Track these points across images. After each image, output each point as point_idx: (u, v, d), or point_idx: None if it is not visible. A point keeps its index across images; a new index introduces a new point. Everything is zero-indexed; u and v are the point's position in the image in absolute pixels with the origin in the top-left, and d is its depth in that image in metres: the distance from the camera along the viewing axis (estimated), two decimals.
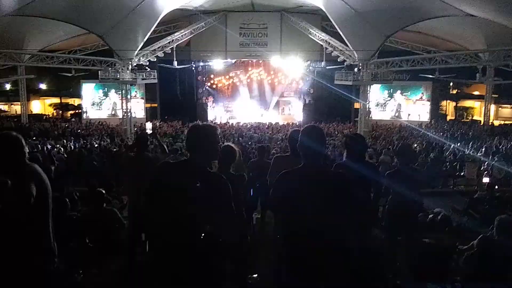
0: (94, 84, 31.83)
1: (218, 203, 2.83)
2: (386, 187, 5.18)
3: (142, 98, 33.81)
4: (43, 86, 39.00)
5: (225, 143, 4.62)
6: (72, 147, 18.32)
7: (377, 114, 32.31)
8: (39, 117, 34.75)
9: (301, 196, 2.87)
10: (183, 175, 2.86)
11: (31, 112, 35.32)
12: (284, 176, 3.04)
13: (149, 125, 26.02)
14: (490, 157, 14.81)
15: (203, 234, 2.83)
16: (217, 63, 33.94)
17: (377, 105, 32.81)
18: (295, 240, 2.90)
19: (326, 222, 2.83)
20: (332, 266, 2.87)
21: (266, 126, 28.61)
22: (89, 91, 33.17)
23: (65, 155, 14.72)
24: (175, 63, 29.67)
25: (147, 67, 27.73)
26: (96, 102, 33.33)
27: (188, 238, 2.80)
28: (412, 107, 33.16)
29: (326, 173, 3.06)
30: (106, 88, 32.48)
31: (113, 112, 32.78)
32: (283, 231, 3.02)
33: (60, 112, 38.73)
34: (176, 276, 2.82)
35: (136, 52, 24.61)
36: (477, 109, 38.10)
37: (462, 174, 13.86)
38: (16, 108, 34.14)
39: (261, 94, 35.73)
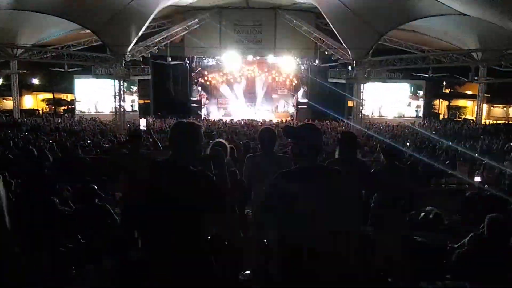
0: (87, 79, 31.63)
1: (204, 201, 2.81)
2: (374, 184, 5.21)
3: (133, 92, 33.63)
4: (35, 81, 38.77)
5: (217, 139, 4.64)
6: (65, 142, 18.22)
7: (371, 112, 32.60)
8: (31, 112, 34.54)
9: (301, 196, 2.85)
10: (165, 175, 2.83)
11: (23, 107, 35.08)
12: (283, 176, 3.03)
13: (143, 122, 25.93)
14: (481, 156, 14.93)
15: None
16: (211, 60, 33.91)
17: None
18: (292, 241, 2.90)
19: (327, 222, 2.83)
20: (330, 266, 2.87)
21: (260, 124, 28.59)
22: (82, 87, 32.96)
23: (58, 151, 14.64)
24: (169, 59, 29.64)
25: (140, 63, 27.67)
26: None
27: (175, 238, 2.79)
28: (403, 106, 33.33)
29: (325, 172, 3.05)
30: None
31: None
32: (279, 232, 3.02)
33: (53, 107, 38.52)
34: (167, 274, 2.83)
35: (129, 48, 24.52)
36: (469, 108, 38.34)
37: (454, 172, 13.95)
38: (8, 103, 33.89)
39: (254, 92, 35.68)
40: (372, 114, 33.17)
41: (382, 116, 33.03)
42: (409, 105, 33.47)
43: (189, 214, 2.78)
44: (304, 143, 3.00)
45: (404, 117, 32.50)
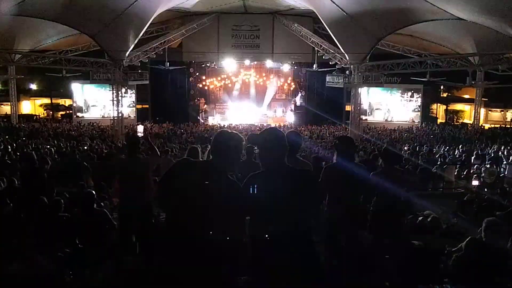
0: (85, 84, 31.61)
1: (229, 207, 2.90)
2: (373, 188, 5.22)
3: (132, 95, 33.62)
4: (33, 86, 38.76)
5: None
6: (63, 147, 18.20)
7: (370, 116, 32.74)
8: (29, 117, 34.45)
9: (266, 198, 2.93)
10: (202, 174, 2.96)
11: (21, 112, 35.04)
12: (250, 179, 3.10)
13: (140, 128, 25.96)
14: (476, 160, 14.98)
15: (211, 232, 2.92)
16: (208, 65, 33.98)
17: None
18: (261, 243, 2.97)
19: (291, 223, 2.91)
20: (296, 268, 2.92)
21: (258, 128, 28.59)
22: (80, 91, 32.90)
23: (56, 156, 14.63)
24: (167, 64, 29.65)
25: (139, 68, 27.67)
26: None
27: (197, 233, 2.88)
28: (402, 110, 33.38)
29: (288, 172, 3.10)
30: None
31: (103, 114, 32.54)
32: (250, 233, 3.09)
33: (51, 112, 38.49)
34: (179, 270, 2.90)
35: (127, 53, 24.54)
36: (467, 112, 38.44)
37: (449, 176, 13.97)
38: (6, 108, 33.85)
39: (252, 96, 35.73)
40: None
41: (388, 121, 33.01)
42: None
43: (212, 212, 2.88)
44: (265, 147, 3.09)
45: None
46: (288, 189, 2.93)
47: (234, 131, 3.23)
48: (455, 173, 13.50)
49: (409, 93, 32.90)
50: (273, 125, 30.81)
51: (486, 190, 10.27)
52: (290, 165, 3.12)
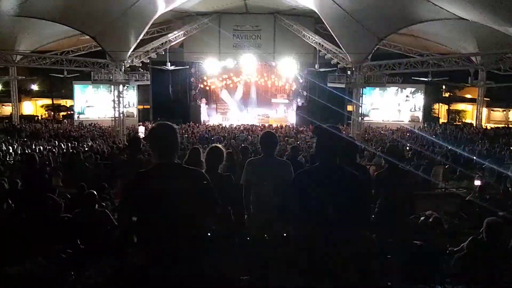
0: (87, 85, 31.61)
1: (202, 196, 2.85)
2: (376, 188, 5.20)
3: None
4: (34, 87, 38.80)
5: (213, 145, 4.65)
6: (64, 148, 18.22)
7: (374, 117, 32.79)
8: (30, 118, 34.47)
9: (319, 196, 2.92)
10: (161, 178, 2.84)
11: (23, 113, 35.07)
12: (300, 176, 3.09)
13: (141, 129, 25.91)
14: (478, 160, 14.96)
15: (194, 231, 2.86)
16: (210, 65, 33.92)
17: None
18: (314, 243, 2.96)
19: (342, 222, 2.92)
20: (344, 266, 2.94)
21: (260, 128, 28.58)
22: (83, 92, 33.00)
23: (58, 157, 14.65)
24: (168, 64, 29.64)
25: (140, 69, 27.67)
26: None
27: (180, 238, 2.80)
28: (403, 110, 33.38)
29: (341, 172, 3.09)
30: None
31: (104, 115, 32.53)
32: (300, 234, 3.06)
33: (52, 113, 38.52)
34: (168, 277, 2.82)
35: (129, 53, 24.55)
36: (469, 112, 38.33)
37: (453, 177, 13.93)
38: (7, 109, 33.88)
39: (254, 96, 35.69)
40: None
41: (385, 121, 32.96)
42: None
43: (190, 210, 2.81)
44: (328, 144, 3.10)
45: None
46: (342, 188, 2.96)
47: (163, 122, 3.12)
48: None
49: (410, 93, 32.98)
50: (274, 125, 30.83)
51: (488, 190, 10.23)
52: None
